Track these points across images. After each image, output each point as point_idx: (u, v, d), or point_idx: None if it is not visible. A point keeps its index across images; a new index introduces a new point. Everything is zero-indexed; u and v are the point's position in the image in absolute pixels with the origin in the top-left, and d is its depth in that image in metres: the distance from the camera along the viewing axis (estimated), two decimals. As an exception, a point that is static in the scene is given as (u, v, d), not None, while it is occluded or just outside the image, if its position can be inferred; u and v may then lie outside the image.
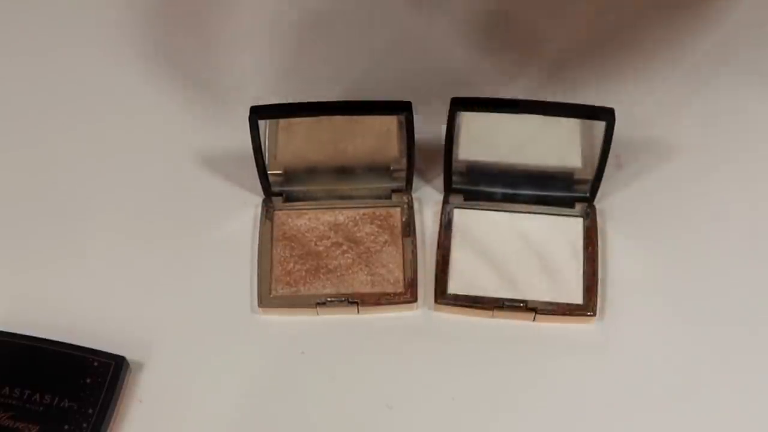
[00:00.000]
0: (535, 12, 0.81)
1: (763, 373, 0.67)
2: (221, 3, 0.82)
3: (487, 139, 0.70)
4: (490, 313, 0.69)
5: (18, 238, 0.73)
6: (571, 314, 0.69)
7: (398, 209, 0.72)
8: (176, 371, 0.68)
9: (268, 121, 0.69)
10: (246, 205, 0.73)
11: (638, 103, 0.76)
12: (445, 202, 0.72)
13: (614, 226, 0.72)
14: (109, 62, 0.79)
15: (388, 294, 0.70)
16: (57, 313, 0.70)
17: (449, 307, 0.69)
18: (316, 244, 0.71)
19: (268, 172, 0.71)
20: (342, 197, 0.72)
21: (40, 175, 0.75)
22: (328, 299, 0.69)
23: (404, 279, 0.70)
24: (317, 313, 0.70)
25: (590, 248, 0.70)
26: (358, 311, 0.69)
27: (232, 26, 0.81)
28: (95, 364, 0.66)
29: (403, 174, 0.71)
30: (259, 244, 0.71)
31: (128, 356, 0.67)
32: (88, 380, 0.65)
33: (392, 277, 0.70)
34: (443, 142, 0.69)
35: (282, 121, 0.71)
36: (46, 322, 0.68)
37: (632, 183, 0.74)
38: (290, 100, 0.67)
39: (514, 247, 0.71)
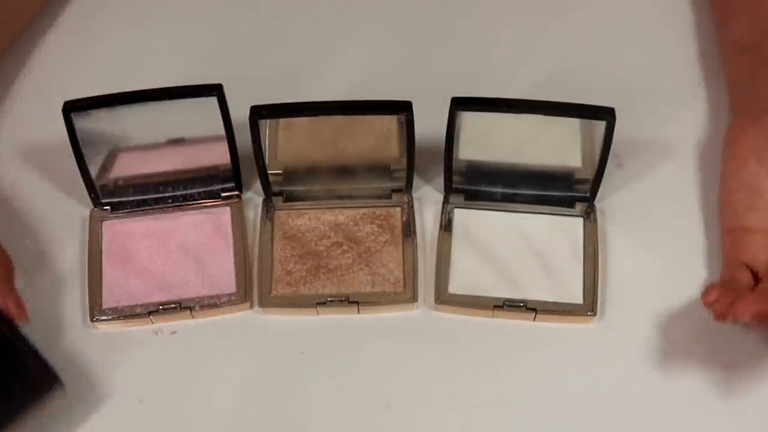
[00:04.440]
0: (534, 12, 0.81)
1: (763, 373, 0.67)
2: (221, 3, 0.82)
3: (487, 139, 0.70)
4: (490, 313, 0.69)
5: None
6: (571, 314, 0.69)
7: (398, 209, 0.72)
8: (176, 371, 0.68)
9: (268, 120, 0.69)
10: (246, 206, 0.73)
11: (638, 103, 0.76)
12: (445, 202, 0.72)
13: (614, 226, 0.72)
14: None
15: (388, 294, 0.70)
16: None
17: (449, 307, 0.69)
18: (316, 244, 0.71)
19: (268, 172, 0.71)
20: (342, 197, 0.72)
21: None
22: (328, 299, 0.69)
23: (404, 279, 0.70)
24: (317, 313, 0.70)
25: (590, 248, 0.70)
26: (358, 311, 0.69)
27: (232, 25, 0.81)
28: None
29: (403, 174, 0.71)
30: (259, 244, 0.71)
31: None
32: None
33: (392, 276, 0.70)
34: (443, 142, 0.69)
35: (282, 121, 0.71)
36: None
37: (632, 183, 0.74)
38: (290, 100, 0.67)
39: (514, 247, 0.71)
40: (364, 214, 0.72)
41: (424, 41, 0.80)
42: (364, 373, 0.68)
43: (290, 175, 0.72)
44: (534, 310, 0.68)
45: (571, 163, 0.71)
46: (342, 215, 0.72)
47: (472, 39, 0.80)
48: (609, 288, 0.70)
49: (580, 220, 0.71)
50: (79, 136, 0.67)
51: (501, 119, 0.66)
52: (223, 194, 0.72)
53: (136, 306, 0.69)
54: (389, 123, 0.70)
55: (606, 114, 0.66)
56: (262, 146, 0.69)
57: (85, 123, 0.67)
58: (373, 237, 0.71)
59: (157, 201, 0.72)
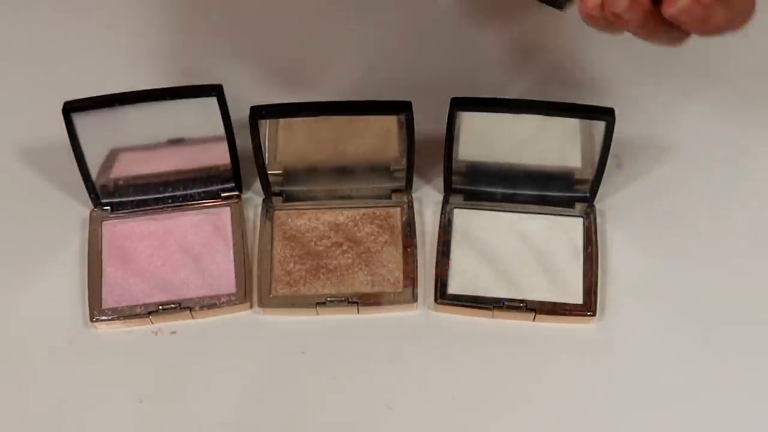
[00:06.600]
0: (534, 12, 0.81)
1: (763, 373, 0.67)
2: (222, 3, 0.82)
3: (487, 139, 0.70)
4: (490, 313, 0.69)
5: None
6: (571, 314, 0.69)
7: (398, 209, 0.72)
8: (176, 371, 0.68)
9: (268, 121, 0.69)
10: (246, 205, 0.73)
11: (638, 103, 0.76)
12: (445, 202, 0.72)
13: (614, 226, 0.72)
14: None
15: (388, 294, 0.70)
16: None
17: (449, 307, 0.69)
18: (316, 244, 0.71)
19: (268, 172, 0.71)
20: (342, 197, 0.72)
21: None
22: (328, 299, 0.69)
23: (404, 279, 0.70)
24: (317, 313, 0.70)
25: (590, 248, 0.70)
26: (358, 311, 0.69)
27: (232, 26, 0.81)
28: None
29: (403, 174, 0.71)
30: (258, 244, 0.71)
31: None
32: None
33: (392, 277, 0.70)
34: (443, 142, 0.69)
35: (282, 121, 0.71)
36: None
37: (632, 183, 0.74)
38: (290, 100, 0.67)
39: (514, 247, 0.71)
40: (363, 214, 0.72)
41: (424, 41, 0.80)
42: (363, 373, 0.68)
43: (290, 175, 0.72)
44: (534, 310, 0.68)
45: (571, 163, 0.71)
46: (342, 215, 0.72)
47: (473, 39, 0.80)
48: (609, 288, 0.70)
49: (580, 221, 0.71)
50: (79, 136, 0.67)
51: (501, 119, 0.66)
52: (223, 194, 0.72)
53: (136, 306, 0.69)
54: (389, 123, 0.70)
55: (606, 114, 0.66)
56: (262, 146, 0.69)
57: (85, 123, 0.67)
58: (372, 237, 0.71)
59: (157, 201, 0.72)
